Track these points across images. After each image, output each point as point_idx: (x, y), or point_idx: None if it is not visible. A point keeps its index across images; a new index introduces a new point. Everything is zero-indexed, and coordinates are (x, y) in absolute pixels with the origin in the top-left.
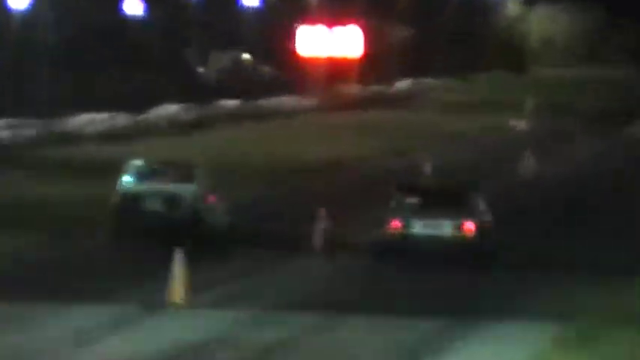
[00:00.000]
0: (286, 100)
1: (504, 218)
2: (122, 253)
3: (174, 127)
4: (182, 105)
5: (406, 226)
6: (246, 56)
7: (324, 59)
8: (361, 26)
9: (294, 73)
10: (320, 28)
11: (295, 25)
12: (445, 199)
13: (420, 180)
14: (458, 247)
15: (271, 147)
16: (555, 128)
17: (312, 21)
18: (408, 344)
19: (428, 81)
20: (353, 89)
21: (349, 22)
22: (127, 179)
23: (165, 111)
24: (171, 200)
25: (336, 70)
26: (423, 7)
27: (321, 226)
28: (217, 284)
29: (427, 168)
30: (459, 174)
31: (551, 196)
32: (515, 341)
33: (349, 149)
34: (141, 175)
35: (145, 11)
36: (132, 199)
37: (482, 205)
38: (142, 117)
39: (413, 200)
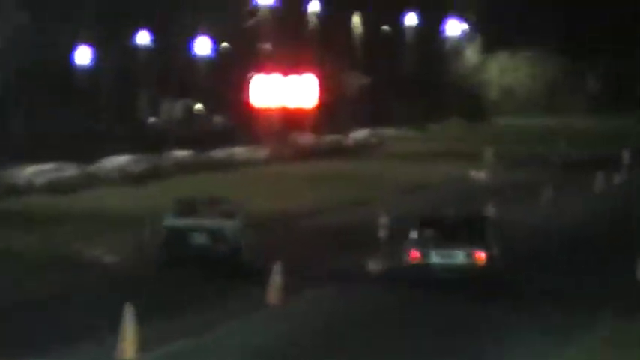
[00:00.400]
0: (239, 151)
1: None
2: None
3: (126, 178)
4: (132, 156)
5: (424, 255)
6: (198, 106)
7: (278, 109)
8: (317, 74)
9: (248, 123)
10: (274, 77)
11: (249, 74)
12: (459, 230)
13: (436, 214)
14: (471, 273)
15: None
16: (517, 179)
17: (267, 69)
18: None
19: (386, 131)
20: (307, 139)
21: (304, 71)
22: (172, 215)
23: (115, 162)
24: (216, 234)
25: (291, 119)
26: (380, 55)
27: (276, 279)
28: (169, 340)
29: (385, 220)
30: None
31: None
32: None
33: (303, 201)
34: (185, 212)
35: (94, 60)
36: (178, 234)
37: (492, 235)
38: (91, 167)
39: (430, 232)
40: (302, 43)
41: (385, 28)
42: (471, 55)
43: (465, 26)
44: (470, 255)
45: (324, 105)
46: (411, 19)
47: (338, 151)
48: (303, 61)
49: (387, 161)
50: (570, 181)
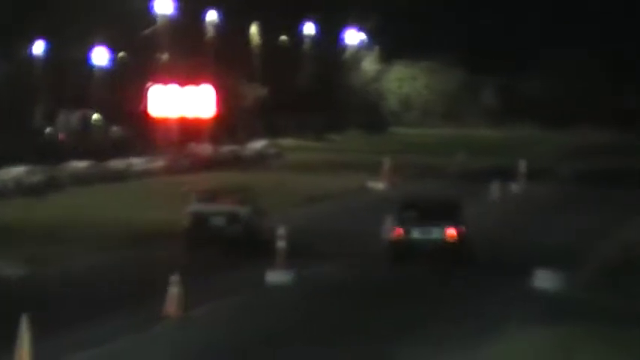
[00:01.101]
0: (137, 161)
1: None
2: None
3: (22, 190)
4: (28, 166)
5: (406, 232)
6: (96, 116)
7: (176, 119)
8: (214, 85)
9: (145, 133)
10: (172, 88)
11: (147, 85)
12: (437, 209)
13: (416, 198)
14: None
15: (119, 211)
16: (416, 189)
17: (164, 80)
18: None
19: (284, 141)
20: (205, 150)
21: (202, 81)
22: (196, 202)
23: (11, 173)
24: (232, 218)
25: (188, 130)
26: (278, 66)
27: (174, 291)
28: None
29: (282, 231)
30: (317, 238)
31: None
32: None
33: None
34: (207, 199)
35: None
36: (201, 218)
37: (462, 217)
38: None
39: (411, 213)
40: (200, 53)
41: (283, 38)
42: (369, 65)
43: (362, 36)
44: (443, 232)
45: (222, 116)
46: (309, 29)
47: (236, 162)
48: (200, 72)
49: (284, 172)
50: (467, 191)
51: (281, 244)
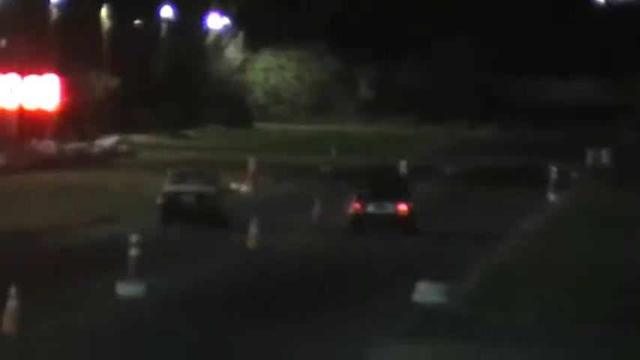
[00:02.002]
0: None
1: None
2: None
3: None
4: None
5: (363, 207)
6: None
7: (15, 112)
8: (59, 75)
9: None
10: (11, 77)
11: None
12: (390, 187)
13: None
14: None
15: None
16: (283, 192)
17: (2, 69)
18: None
19: (137, 138)
20: (48, 147)
21: (45, 71)
22: (168, 183)
23: None
24: (199, 197)
25: (29, 124)
26: (132, 54)
27: (12, 304)
28: None
29: (136, 238)
30: (175, 245)
31: (283, 278)
32: None
33: (44, 216)
34: (178, 179)
35: None
36: (173, 196)
37: (411, 194)
38: None
39: (367, 190)
40: (42, 39)
41: (138, 22)
42: (233, 53)
43: (226, 21)
44: (395, 206)
45: (67, 109)
46: (166, 13)
47: (83, 160)
48: (43, 59)
49: (138, 172)
50: (342, 194)
51: (133, 252)
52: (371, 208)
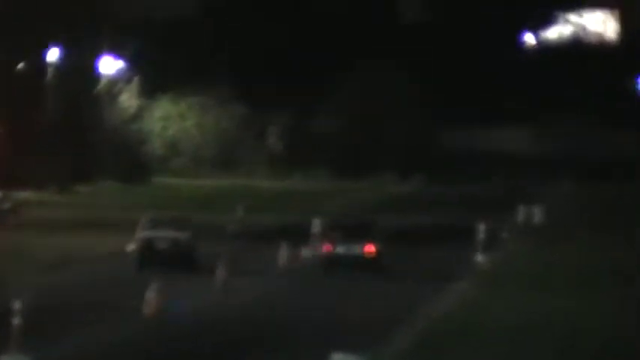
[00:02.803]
0: None
1: None
2: None
3: None
4: None
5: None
6: None
7: None
8: None
9: None
10: None
11: None
12: (358, 230)
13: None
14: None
15: None
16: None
17: None
18: None
19: (22, 194)
20: None
21: None
22: (145, 229)
23: None
24: (175, 243)
25: None
26: (15, 100)
27: None
28: None
29: (19, 305)
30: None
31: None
32: None
33: None
34: (154, 226)
35: None
36: (149, 242)
37: (378, 235)
38: None
39: (337, 233)
40: None
41: (23, 65)
42: (128, 100)
43: (120, 64)
44: (363, 248)
45: None
46: (53, 55)
47: None
48: None
49: (23, 232)
50: (250, 256)
51: (16, 321)
52: (340, 249)
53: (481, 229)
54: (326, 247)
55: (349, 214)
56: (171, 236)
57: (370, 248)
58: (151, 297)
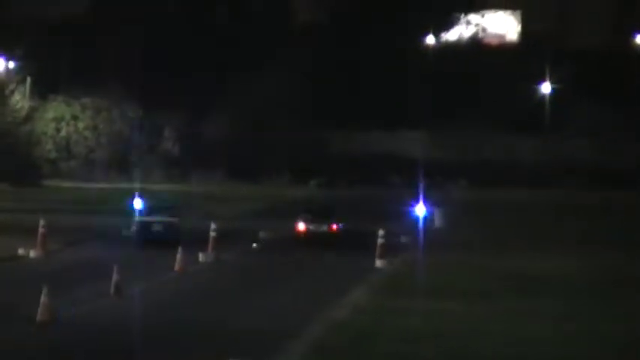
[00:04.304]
0: None
1: None
2: None
3: None
4: None
5: (307, 226)
6: None
7: None
8: None
9: None
10: None
11: None
12: (324, 212)
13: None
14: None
15: None
16: (80, 258)
17: None
18: None
19: None
20: None
21: None
22: (140, 213)
23: None
24: (168, 226)
25: None
26: None
27: None
28: None
29: None
30: None
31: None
32: None
33: None
34: (149, 211)
35: None
36: (145, 225)
37: (339, 216)
38: None
39: (308, 214)
40: None
41: None
42: (19, 101)
43: (11, 64)
44: (329, 226)
45: None
46: None
47: None
48: None
49: None
50: (142, 259)
51: None
52: (312, 227)
53: (380, 233)
54: (302, 226)
55: (317, 202)
56: (164, 220)
57: (333, 227)
58: (45, 302)
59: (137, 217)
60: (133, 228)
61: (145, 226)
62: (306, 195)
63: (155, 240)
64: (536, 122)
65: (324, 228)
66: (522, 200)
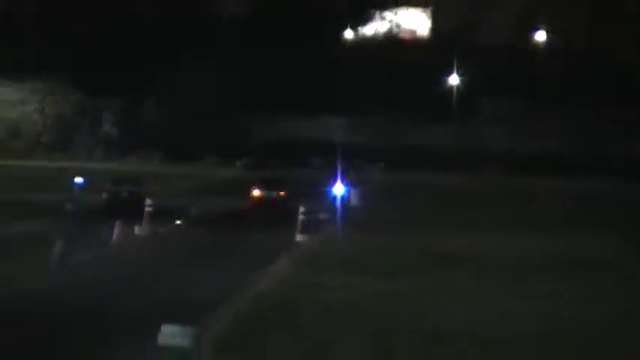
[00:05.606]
0: None
1: None
2: None
3: None
4: None
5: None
6: None
7: None
8: None
9: None
10: None
11: None
12: (275, 182)
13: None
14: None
15: None
16: (22, 232)
17: None
18: None
19: None
20: None
21: None
22: (109, 183)
23: None
24: (134, 194)
25: None
26: None
27: None
28: None
29: None
30: None
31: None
32: None
33: None
34: (116, 182)
35: None
36: (114, 193)
37: (288, 185)
38: None
39: (263, 184)
40: None
41: None
42: None
43: None
44: (278, 192)
45: None
46: None
47: None
48: None
49: None
50: (84, 232)
51: None
52: (266, 194)
53: (301, 210)
54: (257, 192)
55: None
56: (132, 189)
57: (282, 193)
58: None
59: (108, 187)
60: (72, 204)
61: (113, 195)
62: (234, 175)
63: (122, 206)
64: (448, 111)
65: (275, 194)
66: (437, 183)
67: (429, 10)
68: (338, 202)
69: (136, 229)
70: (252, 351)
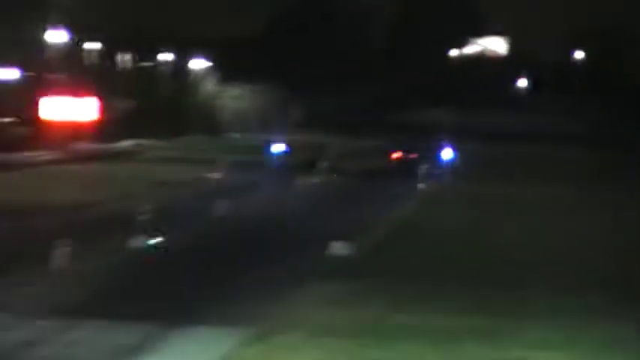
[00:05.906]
0: (35, 154)
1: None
2: None
3: None
4: None
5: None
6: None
7: (65, 122)
8: (96, 98)
9: (43, 133)
10: (63, 99)
11: (40, 96)
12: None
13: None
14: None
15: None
16: (242, 179)
17: (58, 92)
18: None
19: (146, 141)
20: (86, 146)
21: (85, 94)
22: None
23: None
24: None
25: (75, 131)
26: (143, 84)
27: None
28: None
29: (145, 207)
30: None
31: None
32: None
33: (81, 194)
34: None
35: None
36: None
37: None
38: None
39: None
40: (84, 72)
41: (146, 63)
42: (211, 86)
43: (207, 63)
44: (411, 155)
45: (100, 121)
46: (166, 56)
47: (109, 156)
48: (84, 87)
49: (145, 164)
50: (282, 180)
51: (143, 217)
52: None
53: (424, 167)
54: (397, 155)
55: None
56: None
57: (413, 155)
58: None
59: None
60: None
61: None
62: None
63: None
64: (519, 104)
65: (409, 156)
66: (514, 152)
67: (507, 37)
68: (448, 163)
69: (314, 178)
70: (393, 249)
